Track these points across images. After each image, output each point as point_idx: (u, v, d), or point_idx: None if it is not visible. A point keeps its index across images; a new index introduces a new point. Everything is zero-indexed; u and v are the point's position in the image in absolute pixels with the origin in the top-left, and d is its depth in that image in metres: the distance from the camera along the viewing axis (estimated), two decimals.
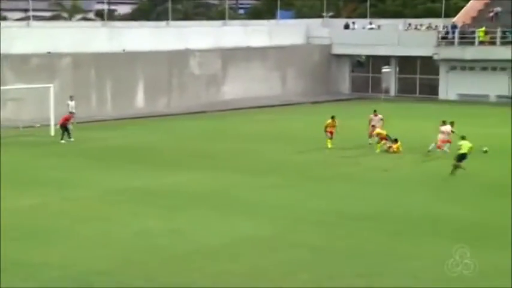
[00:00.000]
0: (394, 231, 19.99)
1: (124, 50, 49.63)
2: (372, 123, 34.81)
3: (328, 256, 17.87)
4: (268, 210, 22.50)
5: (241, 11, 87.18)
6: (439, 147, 32.14)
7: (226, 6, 65.59)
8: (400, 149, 32.84)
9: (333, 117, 34.29)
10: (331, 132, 34.05)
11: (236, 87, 55.06)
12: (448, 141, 32.21)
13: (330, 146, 33.75)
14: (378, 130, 33.35)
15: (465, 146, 27.79)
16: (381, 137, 32.90)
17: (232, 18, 66.54)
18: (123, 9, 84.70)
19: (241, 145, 35.31)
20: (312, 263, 17.33)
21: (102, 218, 21.47)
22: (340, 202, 23.61)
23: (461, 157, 27.57)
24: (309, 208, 22.76)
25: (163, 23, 57.55)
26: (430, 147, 32.30)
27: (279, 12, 65.45)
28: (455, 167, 27.54)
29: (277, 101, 54.57)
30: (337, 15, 70.04)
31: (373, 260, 17.46)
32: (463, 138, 28.49)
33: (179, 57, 52.19)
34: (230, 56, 55.11)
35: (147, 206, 22.99)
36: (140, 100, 50.18)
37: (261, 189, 25.55)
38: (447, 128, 32.39)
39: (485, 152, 31.92)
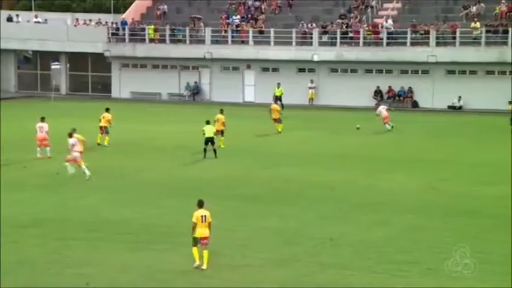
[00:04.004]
0: (63, 237, 20.17)
1: None
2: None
3: None
4: None
5: None
6: (41, 145, 31.96)
7: None
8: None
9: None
10: None
11: None
12: (46, 139, 31.89)
13: None
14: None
15: (209, 130, 31.64)
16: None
17: None
18: None
19: None
20: None
21: None
22: (4, 209, 23.02)
23: (208, 140, 31.51)
24: None
25: None
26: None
27: None
28: (205, 151, 31.44)
29: None
30: None
31: (40, 270, 17.51)
32: (207, 122, 31.84)
33: None
34: None
35: None
36: None
37: None
38: (44, 125, 32.26)
39: (358, 128, 37.37)
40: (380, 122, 40.99)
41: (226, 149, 34.06)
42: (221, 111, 35.55)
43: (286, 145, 36.46)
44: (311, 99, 54.11)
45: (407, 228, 21.50)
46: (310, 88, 54.15)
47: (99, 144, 35.05)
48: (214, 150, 31.91)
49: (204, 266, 17.55)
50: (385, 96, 52.67)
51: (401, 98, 52.53)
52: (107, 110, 35.79)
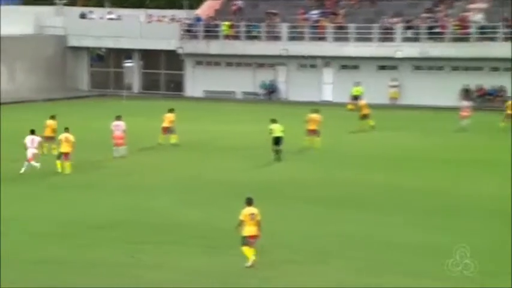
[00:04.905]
0: (136, 240, 20.43)
1: None
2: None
3: (68, 269, 17.88)
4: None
5: None
6: (117, 144, 32.16)
7: None
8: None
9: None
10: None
11: None
12: (122, 138, 32.11)
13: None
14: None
15: (277, 129, 31.06)
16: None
17: None
18: None
19: None
20: (51, 279, 17.21)
21: None
22: (80, 211, 23.56)
23: (277, 140, 30.94)
24: (46, 219, 22.47)
25: None
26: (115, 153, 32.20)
27: None
28: (276, 151, 30.99)
29: (4, 98, 52.29)
30: (72, 3, 68.57)
31: (114, 272, 17.81)
32: (273, 121, 31.50)
33: None
34: None
35: None
36: None
37: None
38: (121, 124, 32.50)
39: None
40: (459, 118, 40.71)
41: (300, 149, 33.92)
42: (315, 111, 35.55)
43: (365, 147, 36.01)
44: (393, 98, 53.23)
45: (494, 237, 20.83)
46: (391, 87, 53.26)
47: (160, 144, 35.26)
48: (279, 151, 31.34)
49: (249, 263, 17.75)
50: (474, 95, 50.73)
51: (491, 98, 50.84)
52: (171, 110, 35.94)
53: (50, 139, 32.24)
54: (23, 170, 28.73)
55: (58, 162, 29.04)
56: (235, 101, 55.56)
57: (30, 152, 28.85)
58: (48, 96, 54.45)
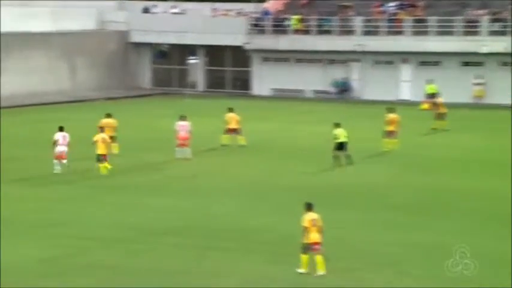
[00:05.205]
0: (202, 246, 20.32)
1: None
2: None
3: (124, 277, 17.78)
4: (54, 227, 22.02)
5: None
6: (182, 145, 31.93)
7: None
8: None
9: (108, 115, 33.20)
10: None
11: (15, 80, 51.89)
12: (187, 139, 31.85)
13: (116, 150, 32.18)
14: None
15: (341, 134, 30.19)
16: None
17: None
18: None
19: (18, 152, 33.40)
20: (103, 285, 17.21)
21: None
22: (139, 215, 23.55)
23: (340, 146, 30.08)
24: (102, 223, 22.56)
25: None
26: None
27: None
28: (335, 157, 30.09)
29: (65, 96, 52.84)
30: None
31: (176, 280, 17.62)
32: (337, 125, 30.63)
33: None
34: (5, 42, 51.78)
35: None
36: None
37: (47, 202, 25.01)
38: (186, 124, 32.07)
39: None
40: None
41: (374, 152, 33.19)
42: (391, 110, 34.72)
43: (445, 149, 34.90)
44: (478, 96, 51.53)
45: None
46: (476, 84, 51.51)
47: (223, 145, 34.63)
48: (348, 156, 30.64)
49: (322, 272, 17.58)
50: None
51: None
52: (231, 110, 35.25)
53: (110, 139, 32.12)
54: (59, 170, 28.86)
55: (100, 166, 28.99)
56: (304, 100, 54.47)
57: (59, 150, 29.01)
58: (108, 94, 54.59)
